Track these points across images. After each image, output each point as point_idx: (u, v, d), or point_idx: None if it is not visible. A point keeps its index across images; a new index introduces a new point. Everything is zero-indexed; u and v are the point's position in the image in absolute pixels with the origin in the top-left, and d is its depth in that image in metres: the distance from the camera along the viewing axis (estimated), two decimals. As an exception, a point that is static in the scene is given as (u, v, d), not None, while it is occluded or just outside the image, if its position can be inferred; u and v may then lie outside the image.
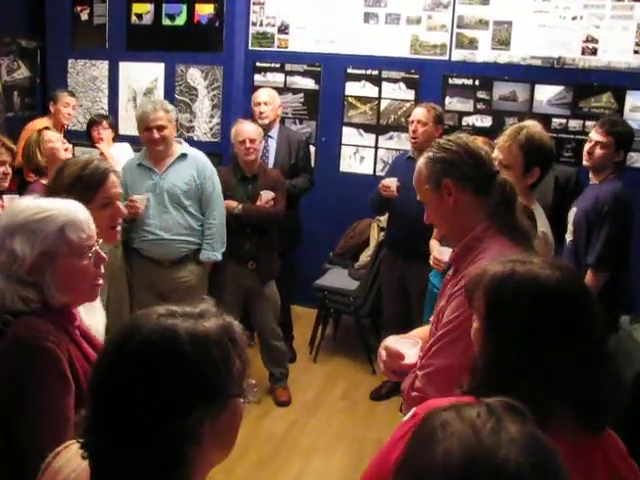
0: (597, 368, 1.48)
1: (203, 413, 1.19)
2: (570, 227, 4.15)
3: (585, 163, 4.20)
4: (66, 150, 4.27)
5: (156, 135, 4.30)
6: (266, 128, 5.31)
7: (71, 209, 1.96)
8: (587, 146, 4.15)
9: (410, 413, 1.59)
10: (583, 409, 1.47)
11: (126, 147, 5.86)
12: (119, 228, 2.71)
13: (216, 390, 1.22)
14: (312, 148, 6.36)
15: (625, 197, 4.07)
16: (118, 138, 6.07)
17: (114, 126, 6.06)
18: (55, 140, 4.18)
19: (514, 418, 1.02)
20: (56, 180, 2.69)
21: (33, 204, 1.93)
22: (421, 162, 2.31)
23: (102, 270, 2.03)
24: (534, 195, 3.30)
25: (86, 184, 2.61)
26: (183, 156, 4.46)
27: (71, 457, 1.40)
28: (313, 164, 6.08)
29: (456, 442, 0.97)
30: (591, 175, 4.23)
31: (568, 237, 4.18)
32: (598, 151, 4.07)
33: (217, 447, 1.26)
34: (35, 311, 1.85)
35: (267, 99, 5.42)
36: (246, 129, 4.83)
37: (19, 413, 1.76)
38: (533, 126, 3.36)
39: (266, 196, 4.79)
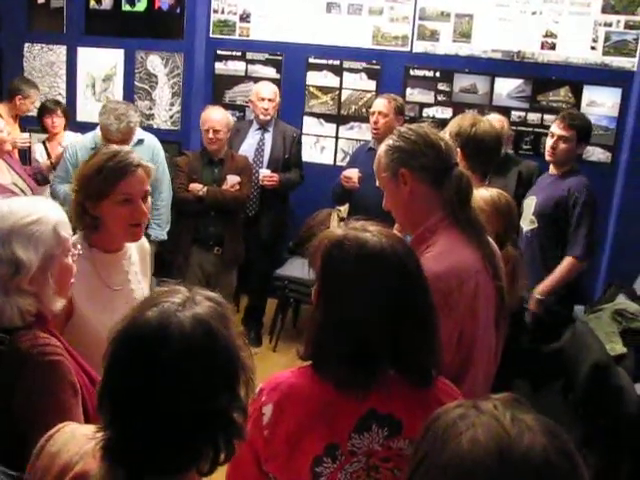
0: (416, 331, 1.63)
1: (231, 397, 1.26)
2: (531, 217, 4.19)
3: (548, 158, 4.22)
4: (7, 142, 4.17)
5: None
6: (264, 122, 5.46)
7: (54, 207, 1.90)
8: (550, 141, 4.17)
9: (256, 390, 1.66)
10: (405, 368, 1.64)
11: (79, 138, 5.76)
12: (143, 225, 2.47)
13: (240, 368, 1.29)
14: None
15: (592, 189, 4.15)
16: (75, 125, 5.99)
17: (68, 113, 5.94)
18: (2, 129, 4.09)
19: (523, 409, 1.04)
20: (83, 167, 2.43)
21: (17, 206, 1.83)
22: (381, 149, 2.30)
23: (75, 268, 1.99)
24: (483, 182, 3.15)
25: (106, 176, 2.35)
26: (140, 141, 4.61)
27: (68, 440, 1.38)
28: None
29: (481, 431, 0.99)
30: (552, 167, 4.26)
31: (527, 226, 4.21)
32: (562, 145, 4.12)
33: None
34: (29, 324, 1.78)
35: (272, 96, 5.48)
36: (212, 118, 4.85)
37: (37, 429, 1.65)
38: (472, 115, 3.33)
39: (232, 180, 4.86)
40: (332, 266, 1.65)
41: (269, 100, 5.43)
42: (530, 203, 4.22)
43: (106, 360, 1.27)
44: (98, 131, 4.57)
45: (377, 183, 2.35)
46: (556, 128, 4.16)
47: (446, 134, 3.01)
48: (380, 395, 1.62)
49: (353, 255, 1.62)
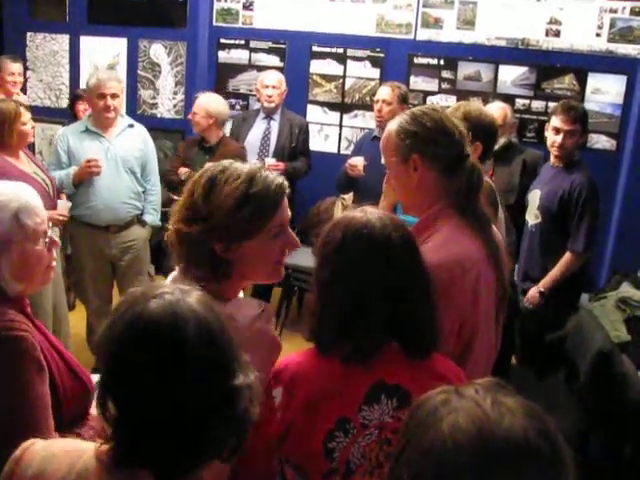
0: (409, 302, 1.68)
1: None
2: (535, 211, 4.13)
3: (555, 153, 4.09)
4: (30, 134, 4.18)
5: (109, 102, 4.43)
6: (270, 111, 5.47)
7: (23, 193, 1.91)
8: (557, 138, 4.02)
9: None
10: (405, 339, 1.69)
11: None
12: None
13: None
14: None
15: (595, 183, 4.07)
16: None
17: None
18: (28, 122, 4.09)
19: (506, 393, 1.05)
20: (208, 203, 1.72)
21: None
22: (393, 129, 2.20)
23: (55, 254, 1.99)
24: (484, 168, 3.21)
25: (258, 207, 1.73)
26: (131, 126, 4.66)
27: (47, 460, 1.29)
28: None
29: (462, 416, 1.00)
30: (555, 159, 4.14)
31: (532, 220, 4.17)
32: (569, 141, 4.00)
33: None
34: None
35: (276, 83, 5.47)
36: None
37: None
38: (472, 103, 3.35)
39: None
40: (326, 244, 1.72)
41: (273, 87, 5.43)
42: (534, 197, 4.16)
43: (106, 363, 1.22)
44: (88, 117, 4.66)
45: (382, 161, 2.28)
46: (562, 124, 4.00)
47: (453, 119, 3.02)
48: (387, 367, 1.66)
49: (341, 230, 1.69)
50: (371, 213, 1.72)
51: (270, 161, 5.24)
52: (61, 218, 4.13)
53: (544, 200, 4.10)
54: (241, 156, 5.16)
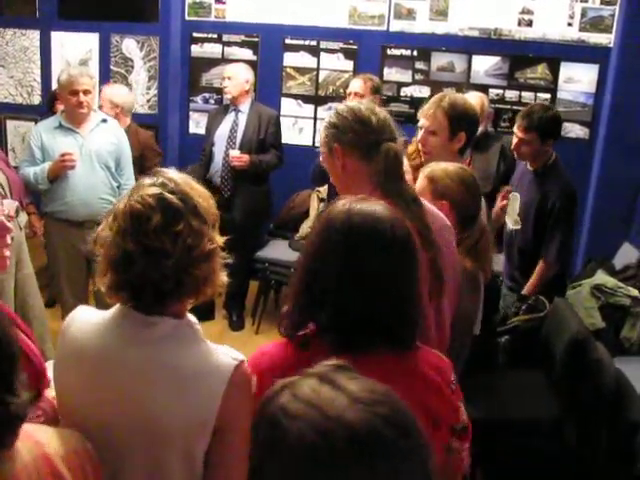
0: (396, 302, 1.65)
1: None
2: (516, 217, 4.09)
3: (516, 157, 4.11)
4: None
5: (82, 98, 4.40)
6: (235, 102, 5.44)
7: None
8: (513, 142, 4.00)
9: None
10: (391, 338, 1.66)
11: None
12: None
13: None
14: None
15: (570, 188, 4.02)
16: (51, 112, 5.90)
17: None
18: None
19: (347, 375, 1.03)
20: (199, 208, 1.81)
21: None
22: (322, 126, 2.43)
23: (8, 240, 1.94)
24: (462, 159, 3.24)
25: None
26: (104, 121, 4.62)
27: None
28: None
29: (304, 424, 0.97)
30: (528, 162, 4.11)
31: (511, 225, 4.14)
32: (524, 148, 3.94)
33: None
34: None
35: (230, 74, 5.43)
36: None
37: None
38: (456, 93, 3.38)
39: None
40: (324, 241, 1.68)
41: (228, 78, 5.41)
42: (514, 201, 4.13)
43: None
44: (60, 114, 4.61)
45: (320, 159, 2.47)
46: (516, 129, 3.94)
47: (439, 108, 3.07)
48: (361, 364, 1.62)
49: (343, 227, 1.65)
50: (375, 205, 1.71)
51: (234, 153, 5.22)
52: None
53: (523, 210, 4.07)
54: (150, 143, 5.40)
